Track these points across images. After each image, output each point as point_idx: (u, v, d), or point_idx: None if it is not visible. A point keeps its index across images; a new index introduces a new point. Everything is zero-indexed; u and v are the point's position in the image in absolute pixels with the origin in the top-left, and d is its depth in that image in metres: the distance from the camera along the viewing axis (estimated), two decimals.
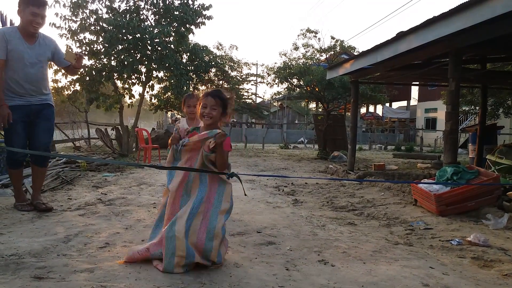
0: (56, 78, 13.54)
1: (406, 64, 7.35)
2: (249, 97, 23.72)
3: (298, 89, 13.78)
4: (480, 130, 9.65)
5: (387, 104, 34.58)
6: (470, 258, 3.10)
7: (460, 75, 5.85)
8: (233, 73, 18.29)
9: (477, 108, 11.53)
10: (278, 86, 15.10)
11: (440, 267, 2.87)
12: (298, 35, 14.18)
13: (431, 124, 30.62)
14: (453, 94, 5.78)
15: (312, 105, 25.74)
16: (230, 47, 18.08)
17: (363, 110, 33.40)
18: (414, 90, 36.25)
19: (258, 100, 32.44)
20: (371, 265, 2.85)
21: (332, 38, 14.28)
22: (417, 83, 11.90)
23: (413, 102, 37.35)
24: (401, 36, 6.10)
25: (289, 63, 13.79)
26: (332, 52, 14.43)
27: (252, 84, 21.79)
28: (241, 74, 19.36)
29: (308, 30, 13.98)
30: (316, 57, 14.80)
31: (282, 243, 3.33)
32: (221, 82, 17.93)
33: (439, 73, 8.40)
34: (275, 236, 3.52)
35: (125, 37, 12.98)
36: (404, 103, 38.41)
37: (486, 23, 4.58)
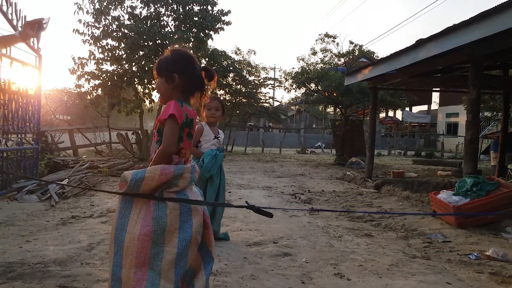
0: (80, 83, 14.02)
1: (426, 71, 7.27)
2: (267, 100, 23.73)
3: (315, 94, 13.75)
4: (502, 137, 9.44)
5: (407, 109, 34.06)
6: (488, 274, 3.07)
7: (481, 83, 5.77)
8: (251, 78, 18.35)
9: (499, 114, 11.27)
10: (295, 91, 15.08)
11: (457, 282, 2.85)
12: (316, 40, 14.20)
13: (452, 129, 30.01)
14: (474, 102, 5.70)
15: (330, 109, 25.57)
16: (248, 51, 18.14)
17: (382, 114, 32.97)
18: (435, 94, 35.64)
19: (276, 103, 32.46)
20: (387, 279, 2.85)
21: (351, 43, 14.22)
22: (438, 89, 11.72)
23: (434, 106, 36.69)
24: (420, 43, 6.06)
25: (307, 68, 13.77)
26: (351, 56, 14.34)
27: (269, 88, 21.77)
28: (259, 78, 19.41)
29: (327, 35, 13.96)
30: (334, 62, 14.75)
31: (298, 255, 3.36)
32: (239, 86, 18.03)
33: (460, 80, 8.26)
34: (291, 247, 3.56)
35: (146, 43, 13.27)
36: (425, 107, 37.77)
37: (508, 31, 4.52)
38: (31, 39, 4.70)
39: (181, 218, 1.68)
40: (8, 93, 4.73)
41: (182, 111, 1.78)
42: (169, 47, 2.00)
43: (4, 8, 4.60)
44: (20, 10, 4.85)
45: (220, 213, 3.75)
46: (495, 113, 13.23)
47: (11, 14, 4.75)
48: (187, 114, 1.82)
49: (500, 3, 4.36)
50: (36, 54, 5.33)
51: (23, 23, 5.00)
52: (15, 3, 4.76)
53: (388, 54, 6.93)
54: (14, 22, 4.84)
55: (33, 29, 2.71)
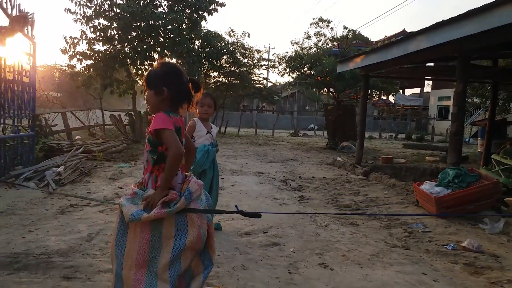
0: (72, 63, 13.93)
1: (416, 62, 7.41)
2: (260, 82, 23.71)
3: (309, 79, 13.84)
4: (489, 125, 9.68)
5: (400, 91, 34.25)
6: (462, 264, 3.31)
7: (468, 77, 5.94)
8: (245, 60, 18.31)
9: (488, 102, 11.50)
10: (289, 75, 15.15)
11: (432, 273, 3.09)
12: (311, 24, 14.17)
13: (444, 112, 30.34)
14: (460, 95, 5.88)
15: (324, 92, 25.69)
16: (242, 33, 18.01)
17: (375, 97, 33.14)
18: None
19: (269, 84, 32.41)
20: (368, 269, 3.08)
21: (345, 28, 14.24)
22: (429, 77, 11.88)
23: (427, 88, 36.94)
24: (410, 36, 6.18)
25: (301, 53, 13.81)
26: (345, 41, 14.40)
27: (263, 69, 21.71)
28: (253, 60, 19.36)
29: (321, 19, 13.94)
30: (328, 47, 14.80)
31: (286, 244, 3.57)
32: (232, 68, 17.99)
33: (450, 69, 8.42)
34: (280, 237, 3.77)
35: (138, 24, 13.15)
36: (417, 90, 38.01)
37: (495, 29, 4.65)
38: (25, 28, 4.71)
39: (177, 227, 1.84)
40: (4, 82, 4.80)
41: (170, 121, 1.90)
42: (157, 60, 2.11)
43: None
44: None
45: (214, 204, 3.94)
46: (484, 100, 13.47)
47: (5, 3, 4.76)
48: (175, 123, 1.94)
49: (488, 2, 4.48)
50: (30, 41, 5.35)
51: (17, 11, 5.05)
52: None
53: (380, 45, 7.03)
54: (9, 11, 4.86)
55: (19, 23, 2.80)
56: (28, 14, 2.76)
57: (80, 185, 5.49)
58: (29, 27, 5.36)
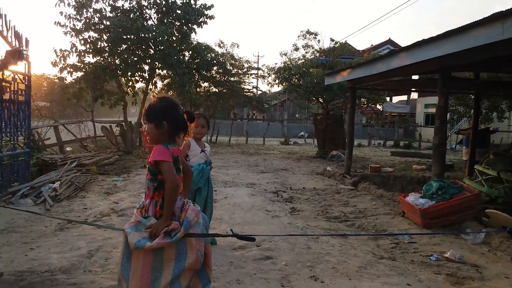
0: (62, 75, 13.98)
1: (399, 76, 7.70)
2: (250, 90, 23.98)
3: (298, 89, 14.11)
4: (472, 134, 10.01)
5: (387, 99, 34.84)
6: (445, 275, 3.51)
7: (449, 91, 6.21)
8: (234, 70, 18.57)
9: (472, 111, 11.87)
10: (278, 86, 15.41)
11: (416, 284, 3.29)
12: (298, 36, 14.45)
13: (430, 119, 30.93)
14: (442, 109, 6.16)
15: (313, 102, 26.10)
16: (232, 44, 18.28)
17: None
18: None
19: (259, 93, 32.71)
20: (356, 281, 3.26)
21: (332, 40, 14.57)
22: (414, 89, 12.24)
23: (414, 95, 37.62)
24: (393, 53, 6.46)
25: (290, 64, 14.10)
26: (331, 54, 14.77)
27: (253, 78, 22.00)
28: (243, 69, 19.63)
29: (308, 32, 14.26)
30: (316, 58, 15.13)
31: (278, 257, 3.74)
32: (222, 78, 18.21)
33: (433, 82, 8.73)
34: (272, 250, 3.94)
35: (129, 36, 13.29)
36: (404, 97, 38.66)
37: (472, 48, 4.92)
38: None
39: (177, 251, 2.03)
40: (0, 101, 4.91)
41: (168, 153, 2.11)
42: (156, 95, 2.33)
43: None
44: (9, 21, 4.99)
45: (208, 218, 4.09)
46: (467, 109, 13.88)
47: (1, 26, 4.89)
48: (172, 153, 2.15)
49: (463, 24, 4.76)
50: (26, 61, 5.48)
51: (12, 33, 5.17)
52: (5, 15, 4.90)
53: (365, 61, 7.30)
54: (5, 33, 4.99)
55: (14, 58, 2.98)
56: (24, 51, 2.92)
57: (76, 200, 5.60)
58: (24, 45, 5.50)
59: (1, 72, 4.54)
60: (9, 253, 3.40)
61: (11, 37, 5.02)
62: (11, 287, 2.76)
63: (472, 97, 12.23)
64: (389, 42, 37.42)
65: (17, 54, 2.90)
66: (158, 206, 2.11)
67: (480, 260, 3.90)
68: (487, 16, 4.41)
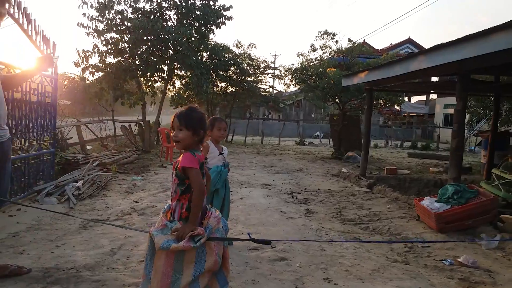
0: (84, 75, 14.38)
1: (418, 79, 7.67)
2: (266, 90, 24.08)
3: (315, 90, 14.14)
4: (491, 137, 9.87)
5: (406, 99, 34.42)
6: (458, 279, 3.54)
7: (467, 95, 6.18)
8: (251, 70, 18.69)
9: (491, 113, 11.70)
10: (295, 87, 15.45)
11: (428, 287, 3.33)
12: (316, 37, 14.47)
13: (449, 120, 30.41)
14: (460, 113, 6.13)
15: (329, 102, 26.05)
16: (249, 45, 18.43)
17: None
18: None
19: (275, 91, 32.78)
20: (369, 284, 3.33)
21: (350, 40, 14.53)
22: (432, 91, 12.11)
23: (434, 95, 37.07)
24: (411, 56, 6.45)
25: (307, 65, 14.13)
26: (350, 55, 14.74)
27: (269, 77, 22.08)
28: (260, 69, 19.74)
29: (326, 32, 14.26)
30: (334, 59, 15.12)
31: (293, 259, 3.83)
32: (239, 78, 18.35)
33: (453, 85, 8.66)
34: (287, 252, 4.03)
35: (149, 37, 13.56)
36: (423, 98, 38.11)
37: (492, 53, 4.90)
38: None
39: (197, 255, 2.16)
40: (29, 104, 5.15)
41: (196, 160, 2.26)
42: (187, 105, 2.50)
43: (25, 26, 4.97)
44: (38, 26, 5.23)
45: (225, 218, 4.21)
46: (487, 111, 13.67)
47: (31, 31, 5.12)
48: (199, 160, 2.31)
49: (484, 29, 4.75)
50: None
51: (41, 37, 5.40)
52: (34, 20, 5.13)
53: (383, 63, 7.30)
54: (33, 37, 5.22)
55: (42, 64, 3.20)
56: (54, 58, 3.09)
57: (98, 199, 5.80)
58: (50, 48, 5.73)
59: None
60: (36, 250, 3.58)
61: (39, 41, 5.26)
62: (39, 283, 2.93)
63: (492, 99, 12.06)
64: (409, 41, 36.95)
65: (47, 61, 3.09)
66: (184, 208, 2.26)
67: (494, 265, 3.91)
68: (507, 21, 4.40)
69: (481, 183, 7.12)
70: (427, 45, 31.71)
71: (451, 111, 30.38)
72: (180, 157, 2.30)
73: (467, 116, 15.39)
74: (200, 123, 2.33)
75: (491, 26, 4.69)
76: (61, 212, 4.60)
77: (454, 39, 5.38)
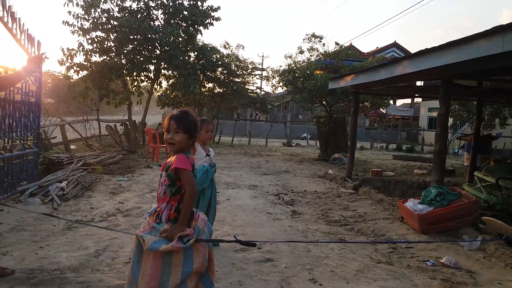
0: (69, 74, 14.16)
1: (402, 83, 7.80)
2: (254, 91, 24.11)
3: (303, 92, 14.24)
4: (474, 141, 10.10)
5: (391, 102, 34.90)
6: (440, 280, 3.62)
7: (450, 100, 6.31)
8: (239, 71, 18.70)
9: (473, 117, 11.95)
10: (282, 88, 15.54)
11: None
12: (304, 39, 14.59)
13: (434, 123, 30.93)
14: (443, 117, 6.26)
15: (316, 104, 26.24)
16: (237, 46, 18.44)
17: None
18: None
19: (263, 93, 32.85)
20: (353, 285, 3.38)
21: (337, 44, 14.69)
22: (417, 95, 12.33)
23: (418, 98, 37.67)
24: (396, 61, 6.57)
25: (294, 67, 14.22)
26: (336, 58, 14.90)
27: (257, 78, 22.12)
28: (248, 70, 19.77)
29: (313, 35, 14.39)
30: (321, 62, 15.25)
31: (279, 260, 3.86)
32: (227, 79, 18.34)
33: (437, 89, 8.83)
34: (273, 253, 4.06)
35: (135, 36, 13.46)
36: (408, 101, 38.68)
37: (474, 59, 5.02)
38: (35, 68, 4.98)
39: (185, 257, 2.17)
40: (13, 103, 5.06)
41: (188, 162, 2.29)
42: (182, 108, 2.52)
43: (10, 25, 4.89)
44: (23, 24, 5.15)
45: (211, 220, 4.22)
46: (470, 115, 13.96)
47: (15, 29, 5.04)
48: (191, 162, 2.34)
49: (465, 36, 4.87)
50: None
51: (25, 36, 5.32)
52: (19, 19, 5.05)
53: (368, 67, 7.40)
54: (18, 36, 5.14)
55: (34, 64, 3.13)
56: (43, 55, 3.02)
57: (83, 200, 5.74)
58: (35, 48, 5.65)
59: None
60: (20, 251, 3.53)
61: (24, 40, 5.18)
62: (23, 284, 2.89)
63: (475, 103, 12.33)
64: (395, 45, 37.51)
65: (39, 61, 3.03)
66: (173, 209, 2.27)
67: (475, 266, 4.00)
68: (489, 29, 4.51)
69: (463, 185, 7.29)
70: (412, 49, 32.28)
71: (435, 114, 30.94)
72: (172, 158, 2.32)
73: (451, 120, 15.70)
74: (196, 127, 2.38)
75: (473, 33, 4.82)
76: (45, 213, 4.55)
77: (438, 45, 5.50)
